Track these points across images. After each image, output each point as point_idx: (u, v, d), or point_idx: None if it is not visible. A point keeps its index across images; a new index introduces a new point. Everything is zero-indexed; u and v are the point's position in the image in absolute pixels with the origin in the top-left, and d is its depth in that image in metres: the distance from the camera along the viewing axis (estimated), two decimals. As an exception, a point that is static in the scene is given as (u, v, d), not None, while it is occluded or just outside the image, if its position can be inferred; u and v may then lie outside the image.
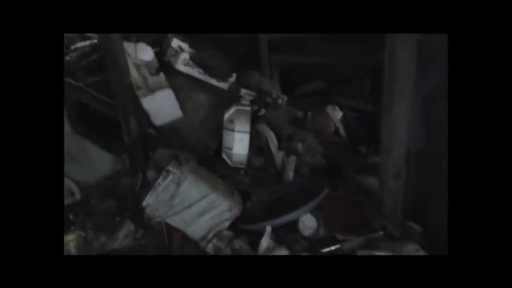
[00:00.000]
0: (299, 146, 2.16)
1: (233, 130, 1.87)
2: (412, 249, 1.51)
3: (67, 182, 1.96)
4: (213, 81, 2.20)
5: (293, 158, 2.08)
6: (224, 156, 1.99)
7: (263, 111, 2.31)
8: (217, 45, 2.42)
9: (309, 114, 2.34)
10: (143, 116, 2.00)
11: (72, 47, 2.77)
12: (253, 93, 2.31)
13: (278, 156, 2.08)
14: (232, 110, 1.97)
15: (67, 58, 2.53)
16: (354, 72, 2.67)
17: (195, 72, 2.15)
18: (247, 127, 1.91)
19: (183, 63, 2.12)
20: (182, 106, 2.09)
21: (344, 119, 2.41)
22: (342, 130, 2.34)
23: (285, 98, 2.42)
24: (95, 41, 2.72)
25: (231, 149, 1.90)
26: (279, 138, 2.19)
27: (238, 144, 1.86)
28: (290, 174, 2.01)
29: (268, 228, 1.58)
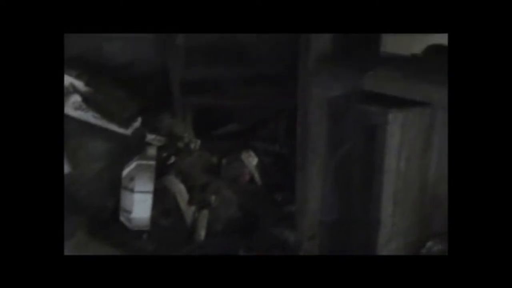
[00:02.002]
0: (213, 198, 1.99)
1: (132, 190, 1.62)
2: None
3: None
4: (113, 127, 1.94)
5: (205, 214, 1.91)
6: (122, 219, 1.71)
7: (172, 159, 2.10)
8: (121, 83, 2.18)
9: (224, 161, 2.20)
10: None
11: None
12: (162, 138, 2.10)
13: (189, 212, 1.88)
14: (132, 165, 1.73)
15: None
16: (270, 114, 2.63)
17: (88, 117, 1.86)
18: (149, 186, 1.68)
19: (73, 107, 1.83)
20: (72, 157, 1.78)
21: (259, 165, 2.31)
22: (257, 178, 2.24)
23: (199, 142, 2.25)
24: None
25: (130, 212, 1.64)
26: (190, 189, 1.99)
27: (139, 206, 1.62)
28: (201, 233, 1.82)
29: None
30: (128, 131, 1.96)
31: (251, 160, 2.26)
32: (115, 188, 1.78)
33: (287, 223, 1.96)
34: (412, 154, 1.39)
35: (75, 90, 1.93)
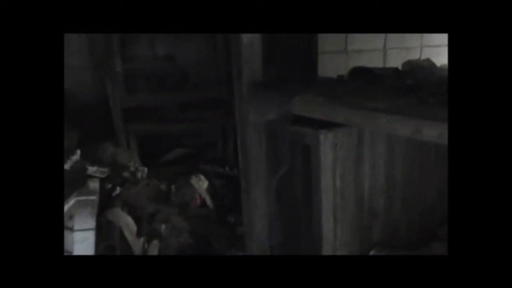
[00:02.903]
0: (163, 227, 1.95)
1: (72, 229, 1.53)
2: None
3: None
4: (50, 163, 1.83)
5: (155, 244, 1.85)
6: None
7: (118, 190, 2.02)
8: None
9: (173, 187, 2.17)
10: None
11: None
12: (105, 169, 2.02)
13: (137, 244, 1.82)
14: (71, 202, 1.64)
15: None
16: (217, 137, 2.66)
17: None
18: (91, 223, 1.60)
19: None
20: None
21: (210, 188, 2.32)
22: (209, 201, 2.23)
23: (145, 170, 2.20)
24: None
25: (71, 253, 1.55)
26: (138, 220, 1.93)
27: (80, 246, 1.53)
28: (152, 265, 1.76)
29: None
30: (66, 165, 1.86)
31: (202, 183, 2.25)
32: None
33: (240, 245, 1.96)
34: (345, 171, 1.44)
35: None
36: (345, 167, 1.44)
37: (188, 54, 2.63)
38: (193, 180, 2.24)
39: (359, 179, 1.46)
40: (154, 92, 2.46)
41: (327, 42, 2.58)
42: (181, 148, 2.50)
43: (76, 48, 2.41)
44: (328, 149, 1.39)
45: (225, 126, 2.59)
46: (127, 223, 1.82)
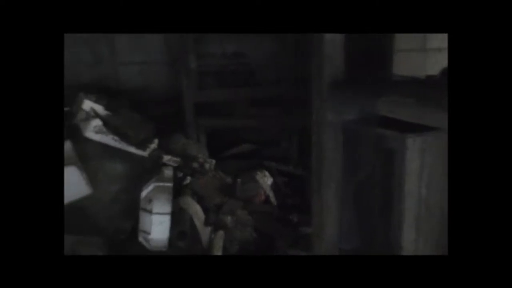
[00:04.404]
0: (228, 219, 1.99)
1: (151, 212, 1.63)
2: None
3: None
4: (131, 149, 1.97)
5: (221, 235, 1.90)
6: (140, 239, 1.72)
7: (188, 180, 2.12)
8: (138, 107, 2.23)
9: (238, 181, 2.21)
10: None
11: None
12: (178, 159, 2.13)
13: (205, 233, 1.88)
14: (150, 187, 1.74)
15: None
16: (282, 135, 2.66)
17: (108, 140, 1.90)
18: (167, 208, 1.69)
19: (94, 131, 1.87)
20: (92, 179, 1.81)
21: (274, 185, 2.32)
22: (272, 198, 2.24)
23: (213, 162, 2.27)
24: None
25: (148, 233, 1.65)
26: (206, 210, 2.00)
27: (157, 228, 1.62)
28: (218, 255, 1.81)
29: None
30: (145, 153, 1.99)
31: (266, 180, 2.27)
32: (133, 209, 1.79)
33: (302, 244, 1.94)
34: (432, 179, 1.34)
35: (96, 114, 1.98)
36: (432, 175, 1.34)
37: (257, 52, 2.66)
38: (258, 176, 2.26)
39: (446, 189, 1.34)
40: (223, 88, 2.53)
41: (404, 39, 2.45)
42: (249, 144, 2.54)
43: (153, 46, 2.56)
44: (415, 154, 1.30)
45: (290, 124, 2.58)
46: (196, 211, 1.89)
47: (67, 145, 1.84)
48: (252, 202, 2.17)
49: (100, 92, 2.16)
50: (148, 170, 1.93)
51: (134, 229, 1.77)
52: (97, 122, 1.88)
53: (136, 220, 1.76)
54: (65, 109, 1.96)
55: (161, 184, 1.77)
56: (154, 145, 2.04)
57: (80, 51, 2.31)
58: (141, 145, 2.01)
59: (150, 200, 1.67)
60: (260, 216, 2.13)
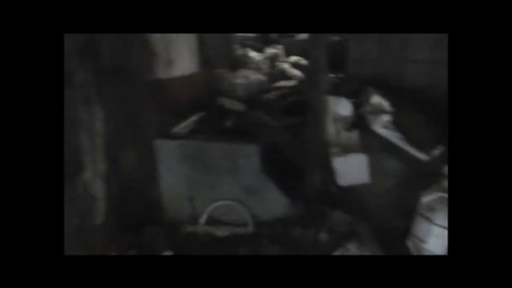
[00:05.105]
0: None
1: (430, 221, 1.57)
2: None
3: (244, 213, 2.09)
4: (412, 150, 1.96)
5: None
6: (410, 244, 1.70)
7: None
8: (422, 107, 2.17)
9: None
10: (329, 172, 1.94)
11: (274, 85, 3.02)
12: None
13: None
14: (434, 195, 1.67)
15: (269, 96, 2.76)
16: None
17: (393, 136, 1.96)
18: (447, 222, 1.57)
19: (382, 125, 1.97)
20: (371, 170, 1.94)
21: None
22: None
23: None
24: (297, 82, 2.87)
25: (423, 242, 1.60)
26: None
27: (435, 240, 1.54)
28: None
29: None
30: (426, 157, 1.93)
31: None
32: (407, 210, 1.80)
33: None
34: None
35: (383, 110, 2.07)
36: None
37: None
38: None
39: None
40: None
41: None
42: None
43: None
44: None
45: None
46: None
47: (354, 134, 2.03)
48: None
49: (383, 88, 2.23)
50: (426, 174, 1.86)
51: (405, 230, 1.77)
52: (386, 118, 1.97)
53: (409, 223, 1.75)
54: (351, 100, 2.15)
55: (446, 195, 1.66)
56: (437, 151, 1.93)
57: (367, 46, 2.41)
58: (424, 148, 1.95)
59: (432, 209, 1.60)
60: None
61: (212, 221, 2.13)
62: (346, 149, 1.94)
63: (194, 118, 2.37)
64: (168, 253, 1.87)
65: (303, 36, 3.95)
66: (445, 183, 1.79)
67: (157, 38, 2.09)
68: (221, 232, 2.08)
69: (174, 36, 2.29)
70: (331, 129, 1.96)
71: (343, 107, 2.09)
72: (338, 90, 2.15)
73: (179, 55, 2.37)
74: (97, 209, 1.86)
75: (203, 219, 2.11)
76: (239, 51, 3.38)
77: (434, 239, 1.52)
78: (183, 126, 2.25)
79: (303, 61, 3.40)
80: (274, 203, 2.07)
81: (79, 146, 1.70)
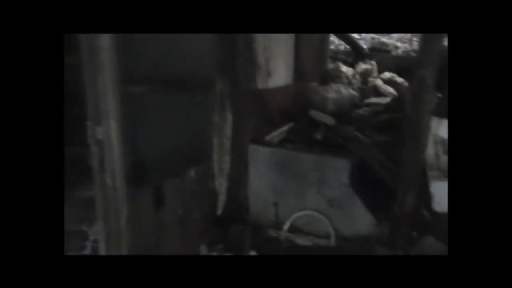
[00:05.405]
0: None
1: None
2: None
3: (327, 226, 2.10)
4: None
5: None
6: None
7: None
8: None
9: None
10: (424, 196, 1.87)
11: (366, 101, 2.99)
12: None
13: None
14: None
15: (360, 111, 2.74)
16: None
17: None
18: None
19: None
20: None
21: None
22: None
23: None
24: (390, 99, 2.80)
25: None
26: None
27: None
28: None
29: None
30: None
31: None
32: None
33: None
34: None
35: None
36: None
37: None
38: None
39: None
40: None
41: None
42: None
43: None
44: None
45: None
46: None
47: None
48: None
49: None
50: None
51: None
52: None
53: None
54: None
55: None
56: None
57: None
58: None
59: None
60: None
61: (294, 229, 2.19)
62: (445, 174, 1.84)
63: (285, 128, 2.47)
64: (252, 253, 1.98)
65: (397, 52, 3.82)
66: None
67: (260, 51, 2.25)
68: (303, 241, 2.13)
69: (274, 48, 2.43)
70: (430, 151, 1.89)
71: (445, 129, 1.99)
72: (440, 111, 2.06)
73: (277, 67, 2.50)
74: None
75: (286, 225, 2.18)
76: (331, 65, 3.42)
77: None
78: (275, 135, 2.36)
79: (398, 78, 3.29)
80: (359, 219, 2.05)
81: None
